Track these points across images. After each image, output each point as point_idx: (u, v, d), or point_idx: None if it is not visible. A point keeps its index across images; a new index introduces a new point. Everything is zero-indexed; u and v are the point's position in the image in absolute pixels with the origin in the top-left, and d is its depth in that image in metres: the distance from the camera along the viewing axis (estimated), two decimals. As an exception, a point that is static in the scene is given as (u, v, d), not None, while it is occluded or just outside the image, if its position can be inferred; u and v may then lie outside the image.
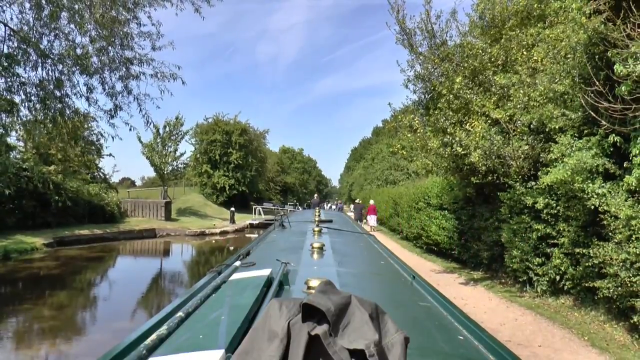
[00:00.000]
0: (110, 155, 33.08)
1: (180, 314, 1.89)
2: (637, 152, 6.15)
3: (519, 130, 9.13)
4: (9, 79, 10.56)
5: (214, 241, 24.94)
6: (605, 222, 6.75)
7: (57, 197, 20.74)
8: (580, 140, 7.39)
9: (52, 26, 10.85)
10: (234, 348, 1.23)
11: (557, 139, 7.86)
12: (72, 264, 15.68)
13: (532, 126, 8.88)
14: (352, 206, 34.68)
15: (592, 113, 6.68)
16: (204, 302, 2.15)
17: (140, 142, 32.50)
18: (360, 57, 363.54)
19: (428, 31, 11.57)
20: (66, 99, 11.83)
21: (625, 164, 6.64)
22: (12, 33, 10.67)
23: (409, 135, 11.70)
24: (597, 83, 6.34)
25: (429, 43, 11.72)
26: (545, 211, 8.26)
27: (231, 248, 21.46)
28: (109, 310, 10.41)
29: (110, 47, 11.80)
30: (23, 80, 10.88)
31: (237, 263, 3.18)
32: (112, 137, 13.39)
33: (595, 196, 6.87)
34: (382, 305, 1.02)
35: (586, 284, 7.47)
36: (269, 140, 67.84)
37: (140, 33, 12.27)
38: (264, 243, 4.79)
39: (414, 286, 2.89)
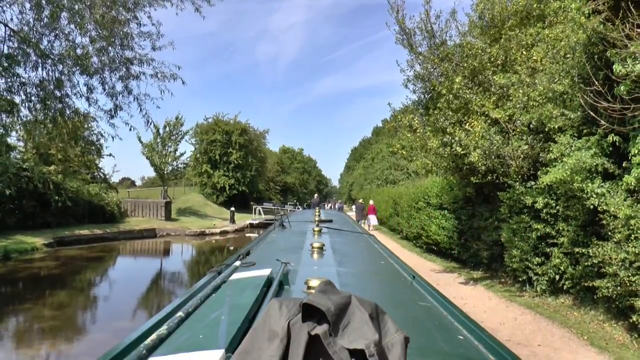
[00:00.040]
0: (110, 155, 33.16)
1: (180, 314, 1.89)
2: (636, 151, 6.16)
3: (518, 130, 9.14)
4: (9, 79, 10.57)
5: (214, 241, 24.94)
6: (604, 221, 6.76)
7: (57, 197, 20.74)
8: (580, 140, 7.40)
9: (52, 26, 10.85)
10: (234, 348, 1.23)
11: (556, 139, 7.87)
12: (72, 264, 15.69)
13: (531, 126, 8.89)
14: (353, 206, 34.80)
15: (591, 113, 6.69)
16: (204, 302, 2.15)
17: (140, 142, 32.53)
18: (360, 57, 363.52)
19: (427, 31, 11.58)
20: (66, 99, 11.85)
21: (624, 164, 6.66)
22: (12, 33, 10.68)
23: (409, 135, 11.72)
24: (596, 83, 6.35)
25: (428, 43, 11.74)
26: (544, 211, 8.27)
27: (231, 248, 21.46)
28: (109, 310, 10.41)
29: (110, 47, 11.81)
30: (23, 80, 10.90)
31: (237, 263, 3.18)
32: (112, 137, 13.43)
33: (594, 196, 6.88)
34: (382, 305, 1.02)
35: (585, 284, 7.48)
36: (269, 140, 67.94)
37: (140, 33, 12.29)
38: (264, 243, 4.79)
39: (413, 286, 2.89)
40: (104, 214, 24.77)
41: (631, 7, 5.77)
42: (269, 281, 2.37)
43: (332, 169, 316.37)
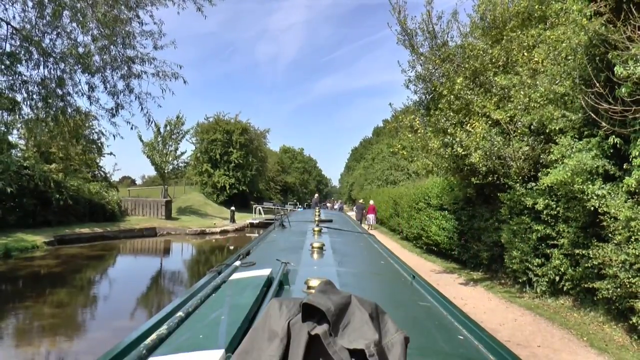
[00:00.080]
0: (111, 153, 32.93)
1: (180, 313, 1.89)
2: (637, 153, 6.17)
3: (519, 131, 9.14)
4: (11, 78, 10.57)
5: (214, 240, 24.95)
6: (604, 223, 6.76)
7: (57, 196, 20.75)
8: (581, 142, 7.40)
9: (55, 25, 10.85)
10: (234, 348, 1.23)
11: (557, 140, 7.88)
12: (72, 262, 15.70)
13: (532, 127, 8.90)
14: (354, 207, 34.97)
15: (592, 114, 6.69)
16: (204, 302, 2.15)
17: (141, 140, 32.51)
18: (360, 57, 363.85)
19: (429, 32, 11.59)
20: (68, 98, 11.83)
21: (625, 166, 6.65)
22: (14, 31, 10.69)
23: (410, 135, 11.72)
24: (598, 84, 6.35)
25: (430, 44, 11.74)
26: (545, 212, 8.27)
27: (231, 247, 21.47)
28: (109, 308, 10.43)
29: (112, 46, 11.79)
30: (25, 78, 10.90)
31: (237, 263, 3.19)
32: (114, 136, 13.40)
33: (595, 197, 6.88)
34: (382, 305, 1.02)
35: (585, 285, 7.48)
36: (269, 139, 67.83)
37: (142, 32, 12.27)
38: (264, 243, 4.80)
39: (413, 286, 2.90)
40: (105, 212, 24.79)
41: (633, 9, 5.77)
42: (269, 281, 2.37)
43: (332, 169, 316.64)
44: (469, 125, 9.77)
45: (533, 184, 8.68)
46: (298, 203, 50.91)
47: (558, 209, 8.10)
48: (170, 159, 33.99)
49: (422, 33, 11.69)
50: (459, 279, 11.47)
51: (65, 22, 11.12)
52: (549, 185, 7.59)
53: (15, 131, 16.56)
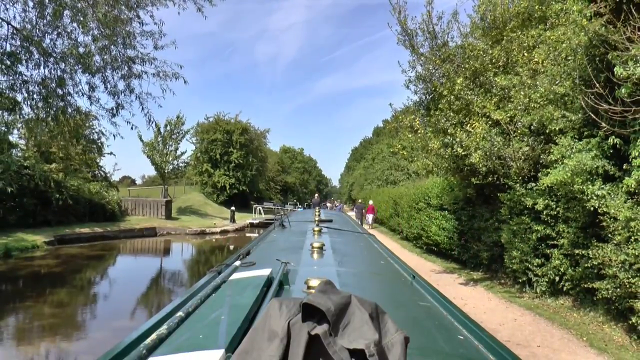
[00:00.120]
0: (111, 153, 32.95)
1: (180, 313, 1.89)
2: (637, 154, 6.17)
3: (519, 131, 9.15)
4: (11, 77, 10.57)
5: (214, 240, 24.96)
6: (604, 223, 6.76)
7: (58, 196, 20.76)
8: (580, 142, 7.41)
9: (55, 25, 10.85)
10: (234, 348, 1.24)
11: (557, 141, 7.88)
12: (72, 262, 15.71)
13: (532, 127, 8.90)
14: (354, 207, 35.11)
15: (592, 115, 6.70)
16: (204, 302, 2.15)
17: (141, 140, 32.52)
18: (360, 57, 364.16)
19: (429, 32, 11.60)
20: (68, 98, 11.81)
21: (624, 166, 6.66)
22: (15, 31, 10.68)
23: (410, 135, 11.72)
24: (598, 85, 6.36)
25: (430, 44, 11.75)
26: (545, 212, 8.28)
27: (231, 247, 21.48)
28: (109, 308, 10.43)
29: (112, 46, 11.78)
30: (25, 78, 10.88)
31: (237, 263, 3.19)
32: (114, 136, 13.39)
33: (594, 198, 6.89)
34: (382, 305, 1.02)
35: (585, 285, 7.49)
36: (269, 139, 67.83)
37: (142, 32, 12.27)
38: (264, 243, 4.80)
39: (414, 286, 2.90)
40: (105, 212, 24.80)
41: (632, 10, 5.78)
42: (269, 281, 2.37)
43: (332, 169, 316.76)
44: (469, 125, 9.78)
45: (533, 184, 8.68)
46: (298, 203, 50.92)
47: (558, 209, 8.11)
48: (171, 158, 34.01)
49: (422, 33, 11.70)
50: (459, 279, 11.48)
51: (65, 22, 11.11)
52: (549, 185, 7.60)
53: (15, 131, 16.58)
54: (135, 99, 12.71)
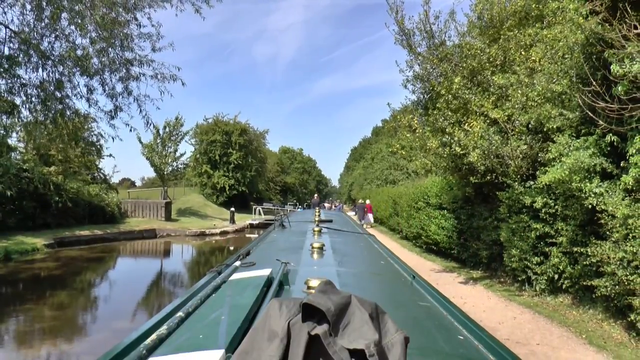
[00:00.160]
0: (110, 155, 33.02)
1: (180, 314, 1.90)
2: (634, 151, 6.19)
3: (517, 130, 9.17)
4: (9, 81, 10.58)
5: (214, 241, 24.96)
6: (602, 221, 6.78)
7: (57, 198, 20.74)
8: (578, 140, 7.43)
9: (53, 27, 10.86)
10: (234, 348, 1.24)
11: (555, 139, 7.90)
12: (72, 265, 15.71)
13: (530, 126, 8.92)
14: (354, 207, 35.33)
15: (589, 113, 6.72)
16: (204, 302, 2.16)
17: (140, 142, 32.51)
18: (358, 57, 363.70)
19: (427, 31, 11.62)
20: (67, 100, 11.84)
21: (622, 164, 6.68)
22: (13, 34, 10.69)
23: (408, 135, 11.74)
24: (594, 83, 6.38)
25: (427, 43, 11.77)
26: (543, 210, 8.29)
27: (231, 248, 21.48)
28: (109, 310, 10.44)
29: (110, 49, 11.80)
30: (24, 81, 10.90)
31: (237, 263, 3.19)
32: (113, 138, 13.38)
33: (592, 195, 6.91)
34: (382, 305, 1.03)
35: (584, 283, 7.51)
36: (268, 140, 67.87)
37: (140, 34, 12.30)
38: (264, 243, 4.81)
39: (414, 286, 2.90)
40: (104, 214, 24.78)
41: (628, 8, 5.81)
42: (269, 281, 2.38)
43: (332, 169, 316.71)
44: (467, 124, 9.79)
45: (531, 182, 8.70)
46: (298, 203, 50.91)
47: (556, 207, 8.13)
48: (170, 160, 33.99)
49: (419, 33, 11.73)
50: (458, 277, 11.49)
51: (63, 25, 11.14)
52: (547, 183, 7.61)
53: (14, 134, 16.55)
54: (134, 101, 12.75)
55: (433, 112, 10.89)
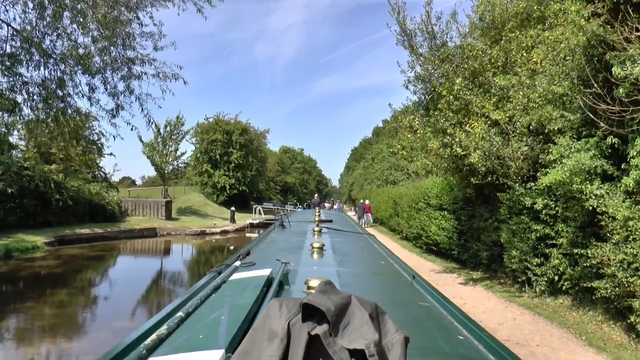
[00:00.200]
0: (111, 154, 33.14)
1: (180, 314, 1.90)
2: (635, 153, 6.19)
3: (518, 131, 9.17)
4: (11, 79, 10.58)
5: (214, 240, 24.97)
6: (603, 222, 6.78)
7: (58, 196, 20.77)
8: (579, 142, 7.43)
9: (55, 26, 10.86)
10: (234, 348, 1.24)
11: (556, 140, 7.90)
12: (73, 263, 15.73)
13: (531, 127, 8.92)
14: (354, 207, 35.53)
15: (590, 115, 6.72)
16: (204, 302, 2.16)
17: (141, 141, 32.54)
18: (359, 57, 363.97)
19: (428, 32, 11.61)
20: (68, 99, 11.83)
21: (623, 166, 6.68)
22: (15, 33, 10.70)
23: (409, 135, 11.73)
24: (596, 85, 6.38)
25: (429, 44, 11.76)
26: (544, 212, 8.29)
27: (231, 247, 21.49)
28: (109, 309, 10.45)
29: (112, 47, 11.80)
30: (26, 79, 10.89)
31: (237, 263, 3.19)
32: (114, 137, 13.39)
33: (593, 197, 6.90)
34: (382, 305, 1.02)
35: (584, 284, 7.51)
36: (269, 140, 67.82)
37: (142, 33, 12.29)
38: (264, 243, 4.82)
39: (414, 286, 2.91)
40: (105, 213, 24.81)
41: (630, 11, 5.80)
42: (269, 281, 2.38)
43: (332, 169, 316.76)
44: (468, 125, 9.79)
45: (532, 183, 8.70)
46: (298, 203, 50.93)
47: (557, 208, 8.13)
48: (170, 159, 34.03)
49: (421, 33, 11.72)
50: (458, 278, 11.49)
51: (65, 24, 11.13)
52: (548, 185, 7.61)
53: (15, 132, 16.61)
54: (135, 100, 12.74)
55: (434, 113, 10.89)
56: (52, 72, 11.28)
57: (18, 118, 11.43)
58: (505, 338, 6.63)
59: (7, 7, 10.64)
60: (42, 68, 11.09)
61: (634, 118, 6.00)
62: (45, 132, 12.83)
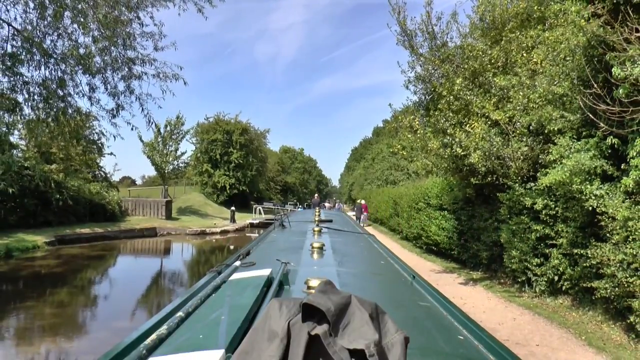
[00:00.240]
0: (111, 154, 33.06)
1: (180, 313, 1.90)
2: (635, 154, 6.20)
3: (518, 131, 9.18)
4: (12, 78, 10.59)
5: (214, 240, 24.98)
6: (602, 223, 6.79)
7: (58, 196, 20.79)
8: (579, 142, 7.44)
9: (56, 26, 10.87)
10: (234, 348, 1.24)
11: (556, 141, 7.91)
12: (73, 263, 15.74)
13: (531, 128, 8.93)
14: (354, 207, 35.67)
15: (590, 115, 6.73)
16: (204, 302, 2.16)
17: (142, 141, 32.55)
18: (359, 57, 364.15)
19: (429, 32, 11.62)
20: (69, 98, 11.83)
21: (622, 166, 6.69)
22: (15, 32, 10.71)
23: (409, 135, 11.74)
24: (596, 85, 6.38)
25: (429, 44, 11.77)
26: (544, 212, 8.30)
27: (231, 247, 21.50)
28: (110, 309, 10.46)
29: (112, 47, 11.80)
30: (26, 79, 10.89)
31: (237, 263, 3.20)
32: (114, 137, 13.39)
33: (593, 197, 6.91)
34: (382, 305, 1.02)
35: (584, 284, 7.52)
36: (269, 140, 67.87)
37: (142, 33, 12.30)
38: (264, 243, 4.82)
39: (414, 286, 2.91)
40: (105, 212, 24.82)
41: (630, 11, 5.81)
42: (269, 281, 2.38)
43: (332, 169, 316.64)
44: (468, 125, 9.80)
45: (532, 184, 8.71)
46: (298, 203, 50.93)
47: (557, 209, 8.13)
48: (171, 159, 34.05)
49: (421, 34, 11.73)
50: (458, 278, 11.50)
51: (66, 23, 11.14)
52: (548, 185, 7.62)
53: (16, 132, 16.64)
54: (136, 99, 12.75)
55: (434, 113, 10.90)
56: (52, 71, 11.30)
57: (19, 118, 11.43)
58: (505, 338, 6.64)
59: (8, 7, 10.65)
60: (42, 68, 11.10)
61: (634, 118, 6.01)
62: (45, 132, 12.84)
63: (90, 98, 12.23)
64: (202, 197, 39.33)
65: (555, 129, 7.89)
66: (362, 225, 23.75)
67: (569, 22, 7.42)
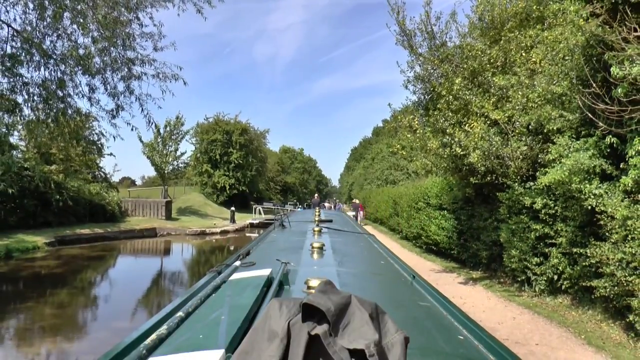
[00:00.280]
0: (111, 154, 33.16)
1: (180, 313, 1.90)
2: (633, 153, 6.21)
3: (517, 131, 9.18)
4: (12, 79, 10.60)
5: (214, 240, 24.98)
6: (602, 222, 6.80)
7: (58, 197, 20.77)
8: (578, 142, 7.45)
9: (55, 26, 10.88)
10: (234, 348, 1.25)
11: (555, 140, 7.92)
12: (73, 263, 15.74)
13: (530, 127, 8.94)
14: (351, 206, 35.81)
15: (589, 114, 6.74)
16: (204, 302, 2.16)
17: (141, 141, 32.54)
18: (358, 57, 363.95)
19: (428, 32, 11.62)
20: (68, 99, 11.85)
21: (621, 165, 6.70)
22: (15, 33, 10.71)
23: (409, 135, 11.75)
24: (594, 85, 6.39)
25: (428, 44, 11.77)
26: (543, 211, 8.31)
27: (231, 247, 21.50)
28: (110, 309, 10.46)
29: (112, 48, 11.82)
30: (26, 80, 10.91)
31: (237, 263, 3.20)
32: (114, 137, 13.39)
33: (592, 197, 6.92)
34: (382, 305, 1.02)
35: (583, 284, 7.53)
36: (269, 140, 67.88)
37: (142, 34, 12.31)
38: (264, 243, 4.82)
39: (414, 286, 2.91)
40: (105, 213, 24.80)
41: (628, 11, 5.82)
42: (269, 281, 2.38)
43: (332, 169, 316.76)
44: (467, 125, 9.81)
45: (531, 183, 8.72)
46: (298, 203, 50.93)
47: (556, 208, 8.14)
48: (170, 159, 34.05)
49: (420, 33, 11.72)
50: (458, 278, 11.51)
51: (65, 24, 11.16)
52: (547, 184, 7.63)
53: (16, 132, 16.63)
54: (135, 100, 12.77)
55: (434, 113, 10.90)
56: (52, 72, 11.32)
57: (18, 118, 11.45)
58: (505, 337, 6.65)
59: (8, 8, 10.66)
60: (42, 69, 11.12)
61: (633, 118, 6.02)
62: (45, 133, 12.85)
63: (90, 99, 12.26)
64: (202, 197, 39.32)
65: (554, 128, 7.90)
66: (360, 221, 23.93)
67: (568, 22, 7.43)
